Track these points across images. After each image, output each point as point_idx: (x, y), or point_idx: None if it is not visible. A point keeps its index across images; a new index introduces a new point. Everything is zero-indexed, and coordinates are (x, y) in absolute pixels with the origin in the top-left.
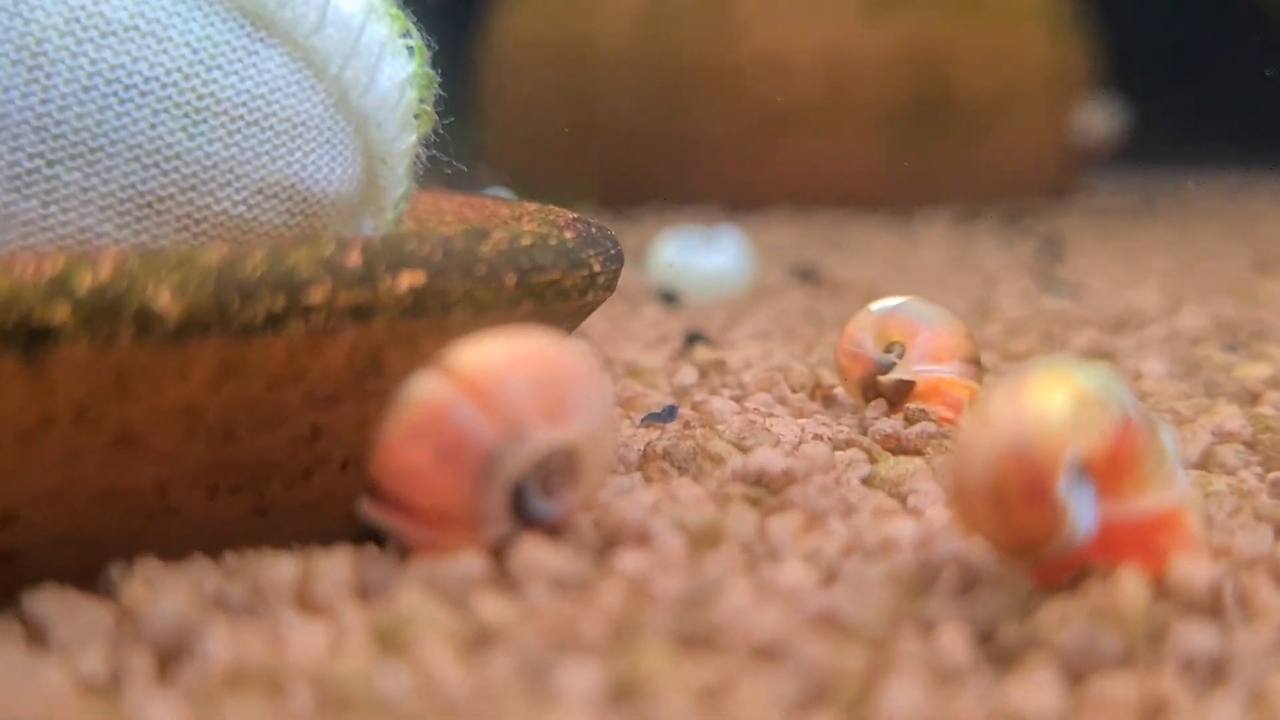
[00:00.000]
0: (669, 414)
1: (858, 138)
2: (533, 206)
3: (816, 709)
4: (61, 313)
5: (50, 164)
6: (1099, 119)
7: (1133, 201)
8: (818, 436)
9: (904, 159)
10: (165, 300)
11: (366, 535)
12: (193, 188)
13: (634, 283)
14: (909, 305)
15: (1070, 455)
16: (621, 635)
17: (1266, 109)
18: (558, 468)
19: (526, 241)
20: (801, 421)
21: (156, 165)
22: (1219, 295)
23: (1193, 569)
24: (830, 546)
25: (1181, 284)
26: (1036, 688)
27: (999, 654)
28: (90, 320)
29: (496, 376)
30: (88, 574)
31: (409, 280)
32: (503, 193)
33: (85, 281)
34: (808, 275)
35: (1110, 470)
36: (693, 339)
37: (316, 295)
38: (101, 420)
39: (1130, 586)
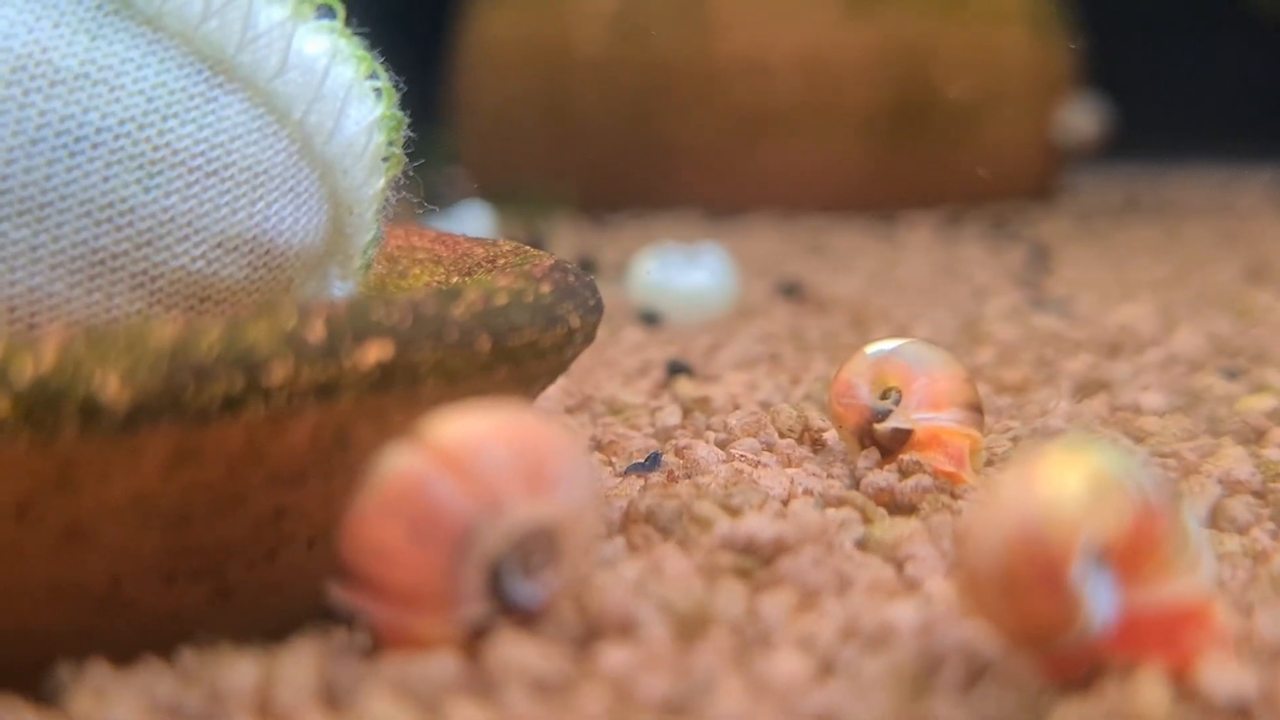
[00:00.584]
0: (653, 462)
1: (839, 140)
2: (507, 246)
3: None
4: (1, 407)
5: None
6: (1082, 119)
7: (1116, 200)
8: (808, 492)
9: (886, 161)
10: (113, 388)
11: (334, 616)
12: (149, 243)
13: (614, 302)
14: (905, 349)
15: (1085, 540)
16: None
17: (1245, 105)
18: (538, 547)
19: (502, 300)
20: (790, 472)
21: (110, 220)
22: (1213, 310)
23: (1220, 676)
24: (825, 630)
25: (1174, 297)
26: None
27: None
28: (31, 414)
29: (472, 448)
30: (34, 671)
31: (377, 352)
32: (476, 207)
33: (26, 372)
34: (792, 291)
35: (1130, 557)
36: (675, 370)
37: (277, 374)
38: (46, 516)
39: (1150, 687)
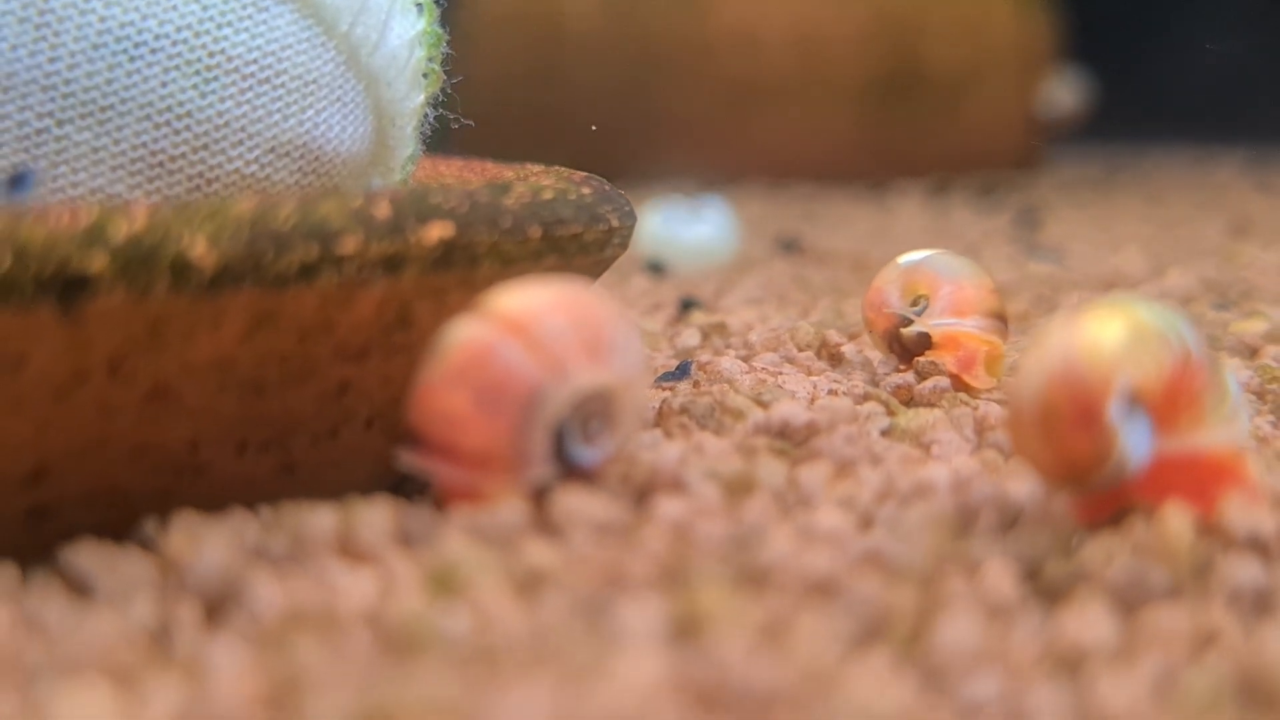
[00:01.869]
0: (682, 371)
1: (828, 112)
2: (537, 168)
3: (873, 645)
4: (98, 262)
5: (60, 123)
6: (1064, 93)
7: (1097, 173)
8: (832, 392)
9: (874, 133)
10: (200, 249)
11: (390, 492)
12: (205, 147)
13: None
14: (935, 258)
15: (1123, 382)
16: (672, 577)
17: (1221, 84)
18: (596, 412)
19: (548, 196)
20: (812, 379)
21: (168, 124)
22: (1200, 259)
23: (1242, 514)
24: (863, 493)
25: (1161, 249)
26: (1090, 620)
27: (1046, 590)
28: (127, 269)
29: (539, 318)
30: (117, 531)
31: (438, 231)
32: None
33: (121, 230)
34: (790, 246)
35: (1166, 405)
36: (688, 305)
37: (349, 245)
38: (136, 374)
39: (1175, 522)
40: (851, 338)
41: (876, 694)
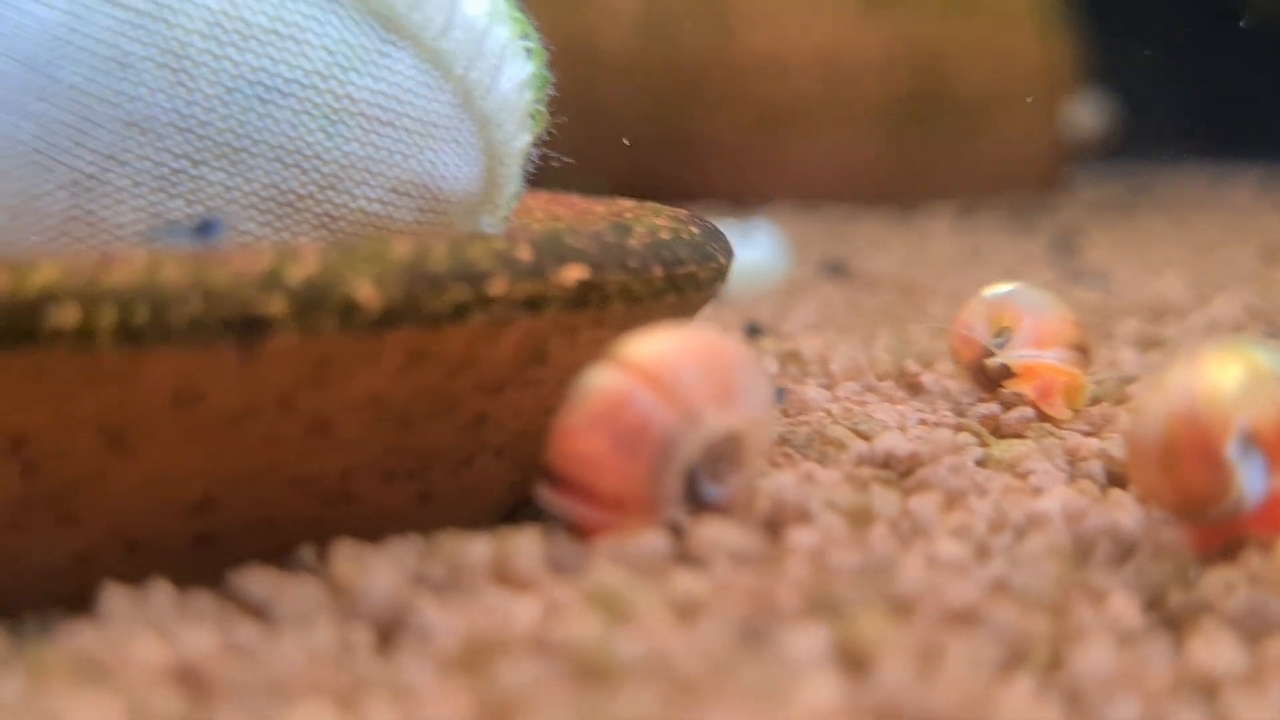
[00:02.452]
0: (778, 397)
1: (856, 134)
2: (628, 203)
3: (1016, 671)
4: (276, 304)
5: (195, 164)
6: (1087, 115)
7: (1120, 194)
8: (923, 422)
9: (901, 155)
10: (367, 291)
11: (513, 519)
12: (331, 186)
13: None
14: (1018, 292)
15: (1241, 422)
16: (821, 604)
17: (1232, 105)
18: (725, 453)
19: (666, 236)
20: (898, 408)
21: (297, 165)
22: (1239, 285)
23: None
24: (977, 523)
25: (1199, 274)
26: (1218, 649)
27: (1170, 619)
28: (300, 311)
29: (671, 366)
30: (272, 556)
31: (575, 273)
32: None
33: (296, 274)
34: (838, 269)
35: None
36: (753, 331)
37: (497, 287)
38: (300, 408)
39: None
40: (926, 366)
41: (1030, 718)
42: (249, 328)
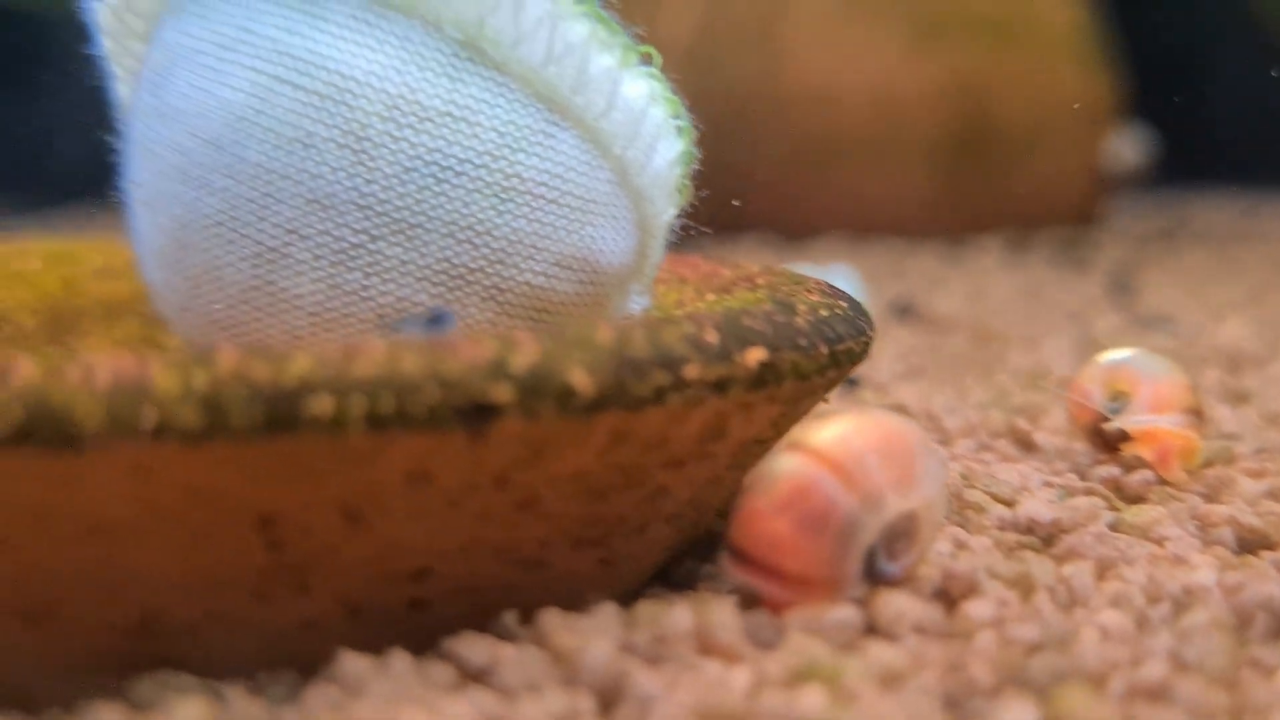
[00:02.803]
0: None
1: (904, 168)
2: (754, 269)
3: None
4: (503, 392)
5: (373, 239)
6: (1127, 148)
7: (1158, 227)
8: (1049, 484)
9: (947, 188)
10: (581, 378)
11: (669, 582)
12: (500, 260)
13: None
14: (1136, 358)
15: None
16: (1015, 678)
17: (1261, 133)
18: (902, 531)
19: (824, 313)
20: (1018, 468)
21: (469, 240)
22: None
23: None
24: (1135, 594)
25: (1264, 317)
26: None
27: None
28: (524, 398)
29: (855, 453)
30: (473, 621)
31: (756, 355)
32: None
33: (519, 363)
34: (906, 310)
35: None
36: (851, 382)
37: (691, 371)
38: (513, 485)
39: None
40: (1034, 422)
41: None
42: (479, 414)
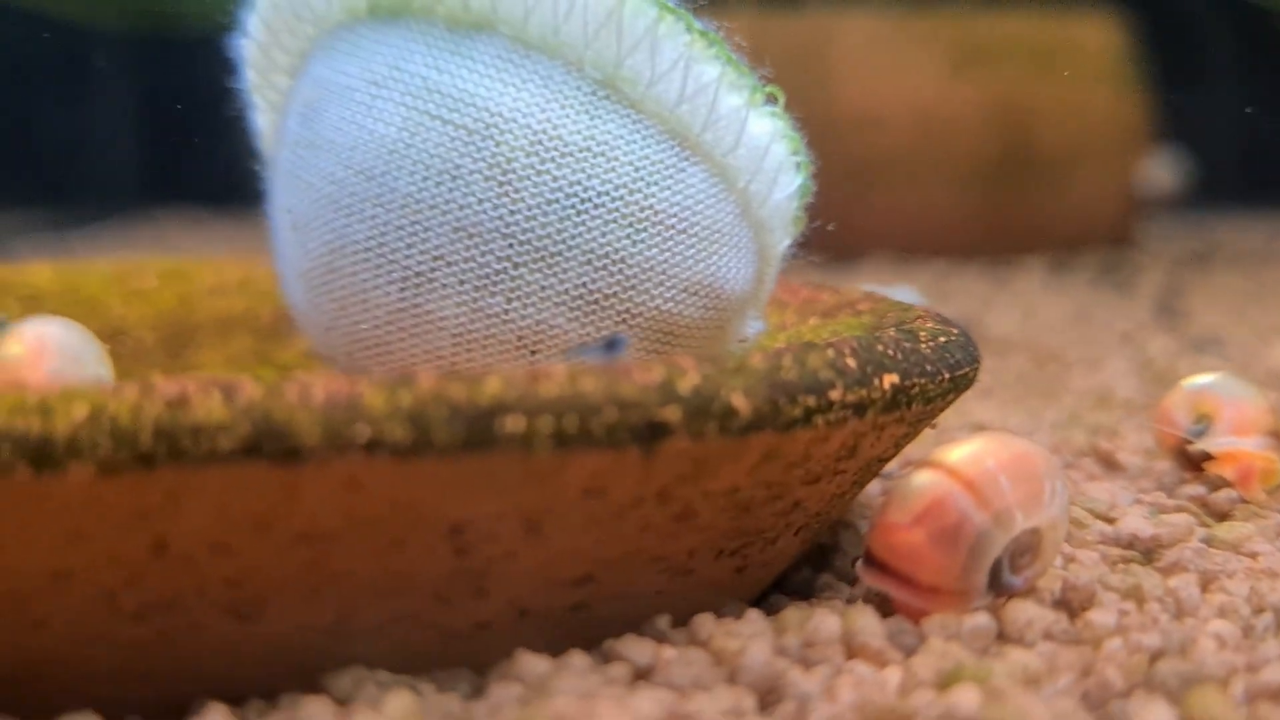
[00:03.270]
0: None
1: (946, 189)
2: (857, 294)
3: None
4: (673, 412)
5: (515, 266)
6: (1162, 171)
7: (1192, 249)
8: (1139, 501)
9: (989, 209)
10: (739, 400)
11: (789, 592)
12: (633, 287)
13: None
14: (1218, 382)
15: None
16: (1146, 681)
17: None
18: (1027, 547)
19: (943, 340)
20: (1106, 486)
21: (604, 267)
22: None
23: None
24: (1240, 605)
25: None
26: None
27: None
28: (690, 418)
29: (988, 472)
30: (627, 624)
31: (890, 380)
32: None
33: (685, 385)
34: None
35: None
36: None
37: (835, 394)
38: (673, 499)
39: None
40: (1110, 440)
41: None
42: (652, 433)
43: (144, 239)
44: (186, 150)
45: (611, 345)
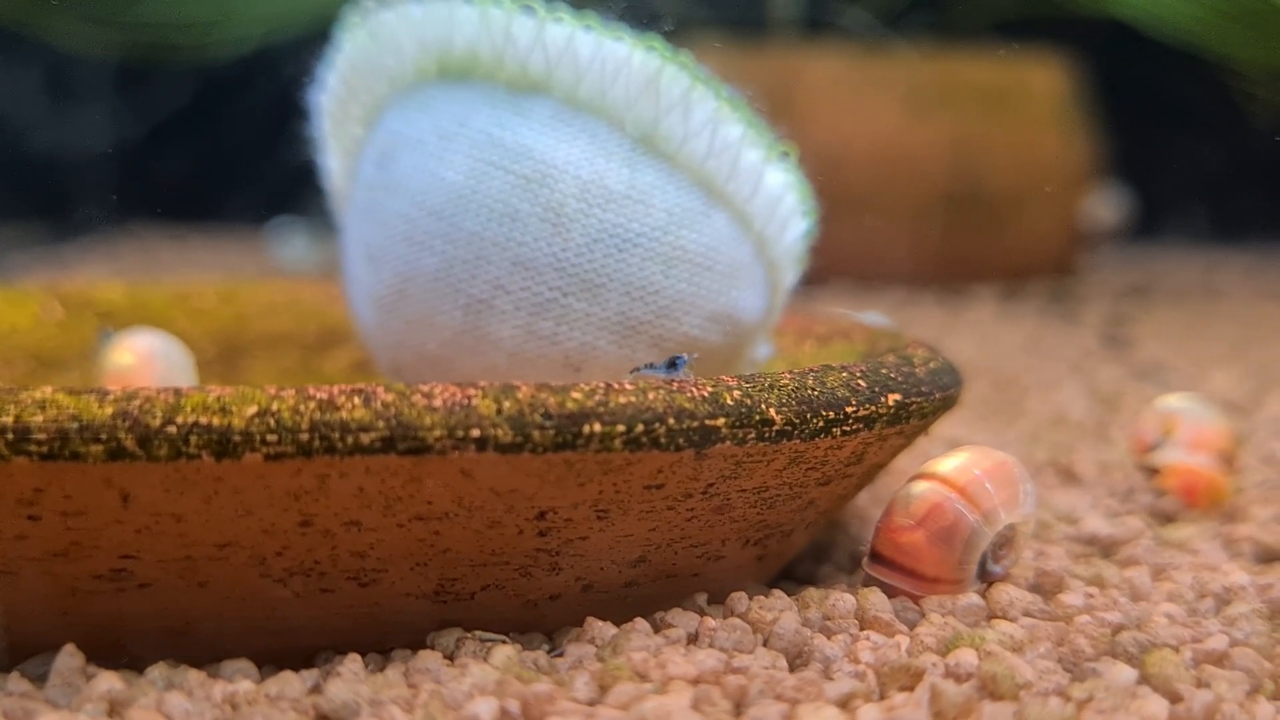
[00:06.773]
0: None
1: (902, 223)
2: (847, 323)
3: (1258, 698)
4: (720, 420)
5: (565, 295)
6: (1104, 208)
7: (1130, 281)
8: (1094, 507)
9: (944, 242)
10: (774, 412)
11: (795, 579)
12: (665, 315)
13: None
14: (1182, 404)
15: None
16: (1114, 649)
17: (1223, 192)
18: (1005, 540)
19: (933, 365)
20: (1066, 495)
21: (641, 298)
22: None
23: None
24: (1186, 592)
25: (1244, 369)
26: None
27: None
28: (735, 426)
29: (976, 480)
30: (667, 600)
31: (894, 398)
32: None
33: (729, 398)
34: None
35: None
36: None
37: (850, 409)
38: (716, 494)
39: None
40: (1067, 456)
41: None
42: (704, 437)
43: (131, 252)
44: (172, 170)
45: (673, 364)
